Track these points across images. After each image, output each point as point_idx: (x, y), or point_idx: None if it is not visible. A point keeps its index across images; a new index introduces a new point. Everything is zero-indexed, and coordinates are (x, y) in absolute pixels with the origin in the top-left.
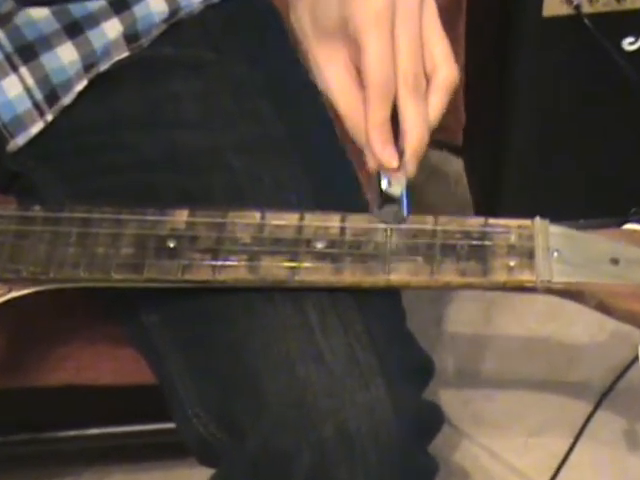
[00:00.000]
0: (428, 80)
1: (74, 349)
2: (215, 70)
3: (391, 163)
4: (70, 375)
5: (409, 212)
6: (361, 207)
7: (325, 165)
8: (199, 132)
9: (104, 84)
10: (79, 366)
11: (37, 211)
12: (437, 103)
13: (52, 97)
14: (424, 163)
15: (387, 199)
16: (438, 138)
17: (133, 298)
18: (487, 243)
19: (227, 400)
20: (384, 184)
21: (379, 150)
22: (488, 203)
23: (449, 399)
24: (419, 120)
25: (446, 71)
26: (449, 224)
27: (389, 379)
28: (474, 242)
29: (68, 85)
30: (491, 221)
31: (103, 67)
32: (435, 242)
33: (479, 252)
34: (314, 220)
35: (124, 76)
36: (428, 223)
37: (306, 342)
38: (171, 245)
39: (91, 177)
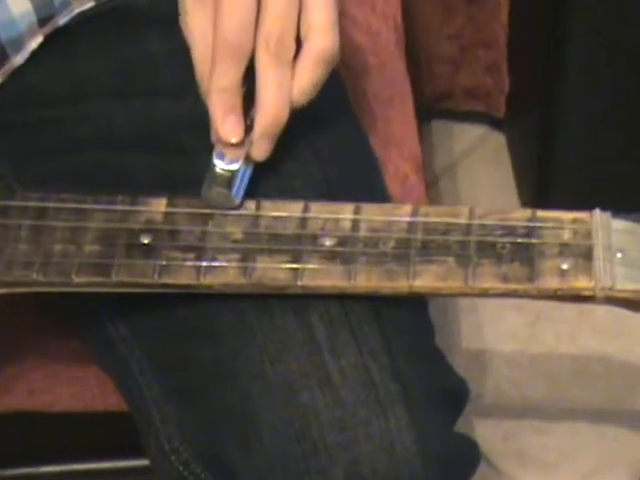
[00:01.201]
0: (299, 48)
1: (25, 368)
2: None
3: (228, 137)
4: (20, 400)
5: (242, 197)
6: (380, 196)
7: (338, 144)
8: (181, 102)
9: (63, 42)
10: (31, 389)
11: None
12: (304, 74)
13: (0, 57)
14: (459, 139)
15: (218, 179)
16: (475, 109)
17: (98, 306)
18: (534, 241)
19: (213, 433)
20: (216, 159)
21: (218, 118)
22: (536, 190)
23: (486, 432)
24: (276, 90)
25: (322, 40)
26: (488, 217)
27: (413, 407)
28: (519, 240)
29: (19, 42)
30: (540, 214)
31: (62, 20)
32: (470, 239)
33: (525, 252)
34: (322, 211)
35: (88, 32)
36: (461, 216)
37: (310, 362)
38: (145, 241)
39: (47, 157)
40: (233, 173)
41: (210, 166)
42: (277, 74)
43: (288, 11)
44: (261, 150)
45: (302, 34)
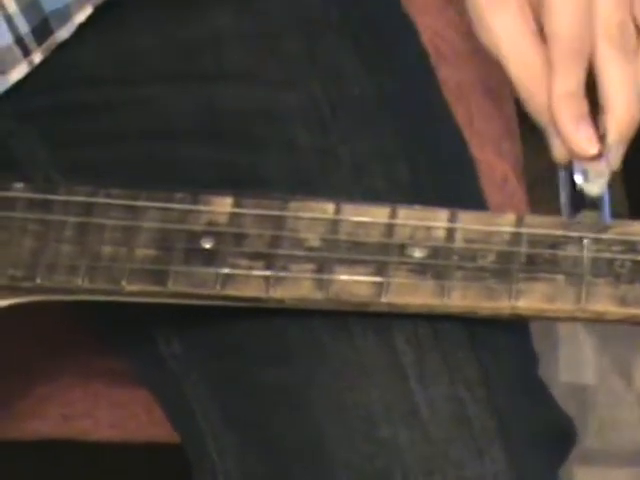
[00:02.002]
0: (638, 34)
1: (60, 389)
2: (276, 1)
3: (588, 148)
4: (52, 426)
5: (613, 217)
6: (477, 201)
7: (429, 141)
8: (249, 89)
9: (115, 15)
10: (66, 413)
11: (19, 191)
12: None
13: (42, 30)
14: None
15: (582, 201)
16: None
17: (149, 319)
18: None
19: (279, 469)
20: (579, 179)
21: (570, 130)
22: None
23: (590, 478)
24: (627, 87)
25: None
26: (603, 230)
27: (512, 447)
28: None
29: (65, 14)
30: None
31: None
32: (583, 255)
33: None
34: (411, 217)
35: (144, 4)
36: (573, 228)
37: (394, 391)
38: (207, 246)
39: (94, 146)
40: (601, 191)
41: (562, 186)
42: (625, 69)
43: None
44: (618, 157)
45: (637, 17)
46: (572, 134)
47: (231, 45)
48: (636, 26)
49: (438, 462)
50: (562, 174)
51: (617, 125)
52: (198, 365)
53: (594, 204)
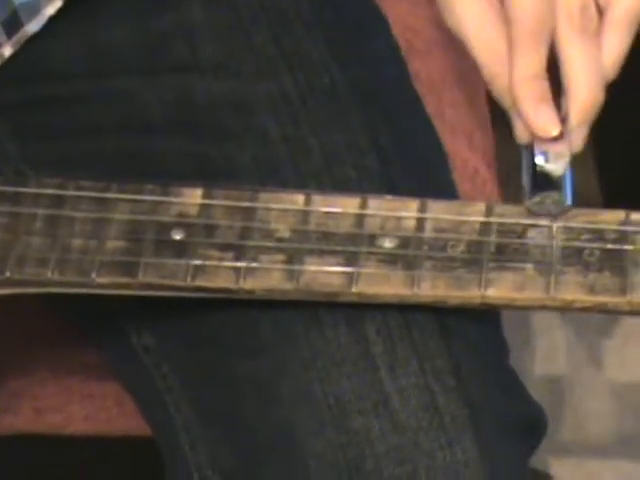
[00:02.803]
0: (601, 14)
1: (31, 383)
2: None
3: (549, 129)
4: (25, 420)
5: (574, 201)
6: (448, 192)
7: (399, 131)
8: (221, 80)
9: (86, 8)
10: (38, 407)
11: None
12: (615, 44)
13: (12, 23)
14: None
15: (544, 182)
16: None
17: (120, 311)
18: (628, 248)
19: (250, 461)
20: (540, 160)
21: (531, 112)
22: (625, 189)
23: (564, 473)
24: (589, 69)
25: (627, 1)
26: (573, 219)
27: (482, 436)
28: (609, 246)
29: (35, 6)
30: (634, 216)
31: None
32: (553, 244)
33: (616, 260)
34: (381, 207)
35: None
36: (542, 217)
37: (365, 381)
38: (177, 237)
39: (62, 138)
40: (560, 171)
41: (525, 168)
42: (586, 50)
43: None
44: (579, 139)
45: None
46: (533, 116)
47: (202, 37)
48: (598, 8)
49: (409, 452)
50: (525, 155)
51: (578, 107)
52: (169, 357)
53: (555, 185)
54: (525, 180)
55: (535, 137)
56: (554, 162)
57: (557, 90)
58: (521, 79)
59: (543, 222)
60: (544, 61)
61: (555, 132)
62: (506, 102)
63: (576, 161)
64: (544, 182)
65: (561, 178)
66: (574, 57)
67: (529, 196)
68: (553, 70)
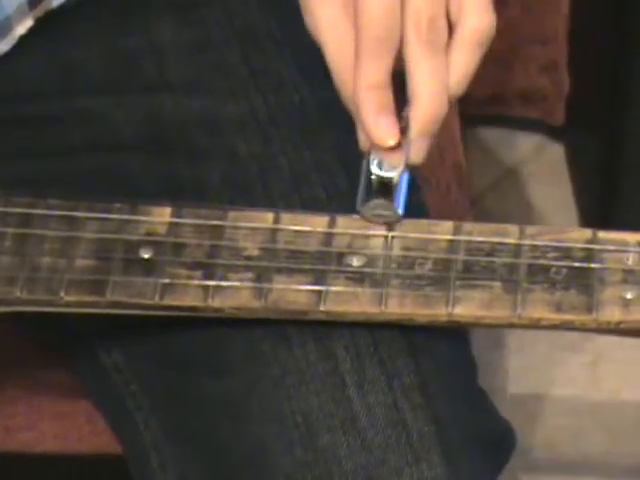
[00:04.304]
0: (451, 30)
1: (2, 402)
2: (214, 11)
3: (384, 139)
4: None
5: (405, 210)
6: (417, 210)
7: None
8: (190, 99)
9: (57, 28)
10: (9, 426)
11: None
12: (461, 62)
13: None
14: (510, 150)
15: (378, 190)
16: (530, 115)
17: (89, 330)
18: (595, 266)
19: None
20: (374, 168)
21: (370, 120)
22: (600, 210)
23: None
24: (433, 82)
25: (476, 19)
26: (540, 237)
27: (449, 454)
28: (576, 264)
29: (6, 26)
30: (601, 235)
31: (56, 2)
32: (520, 262)
33: (583, 278)
34: (349, 226)
35: (85, 16)
36: (510, 235)
37: (333, 398)
38: (146, 256)
39: (32, 158)
40: (393, 181)
41: (363, 175)
42: (431, 63)
43: None
44: (419, 150)
45: (452, 14)
46: (371, 125)
47: (171, 56)
48: (449, 20)
49: (376, 469)
50: (364, 162)
51: (419, 119)
52: (139, 376)
53: (387, 194)
54: (359, 187)
55: (372, 146)
56: (387, 171)
57: (403, 99)
58: (363, 87)
59: (510, 240)
60: (388, 70)
61: (391, 142)
62: (352, 109)
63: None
64: (378, 190)
65: (394, 187)
66: (419, 69)
67: (361, 203)
68: (400, 79)
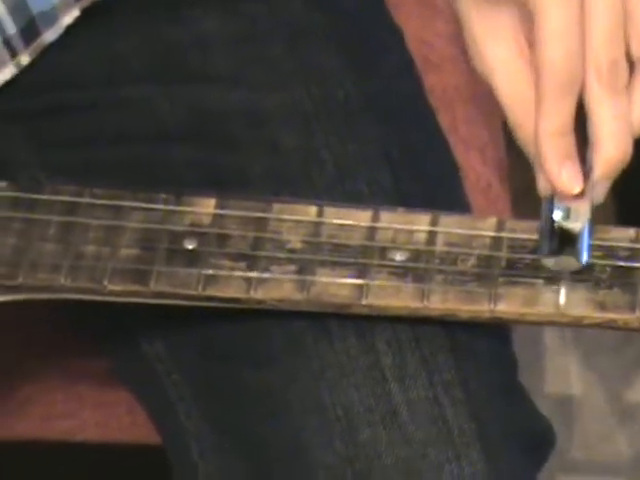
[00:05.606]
0: (632, 68)
1: (43, 389)
2: (258, 3)
3: (571, 188)
4: (34, 426)
5: (589, 257)
6: (459, 207)
7: (412, 146)
8: (235, 91)
9: (103, 18)
10: (49, 413)
11: (3, 190)
12: None
13: (30, 31)
14: None
15: (561, 237)
16: None
17: (132, 319)
18: (639, 265)
19: (260, 472)
20: (557, 216)
21: (554, 169)
22: (637, 206)
23: None
24: (616, 126)
25: None
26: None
27: (490, 450)
28: (620, 263)
29: (52, 16)
30: None
31: None
32: None
33: (626, 277)
34: (393, 221)
35: (131, 7)
36: None
37: (374, 393)
38: (190, 247)
39: (76, 146)
40: (580, 230)
41: (544, 222)
42: (614, 106)
43: (616, 31)
44: (601, 195)
45: (633, 51)
46: (555, 173)
47: (216, 48)
48: (629, 61)
49: (416, 464)
50: (545, 207)
51: (603, 164)
52: (181, 366)
53: (571, 242)
54: (542, 233)
55: (555, 193)
56: (573, 219)
57: (583, 140)
58: (546, 134)
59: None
60: (571, 116)
61: (576, 190)
62: (530, 151)
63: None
64: (561, 237)
65: (578, 235)
66: (602, 113)
67: (544, 253)
68: (580, 119)
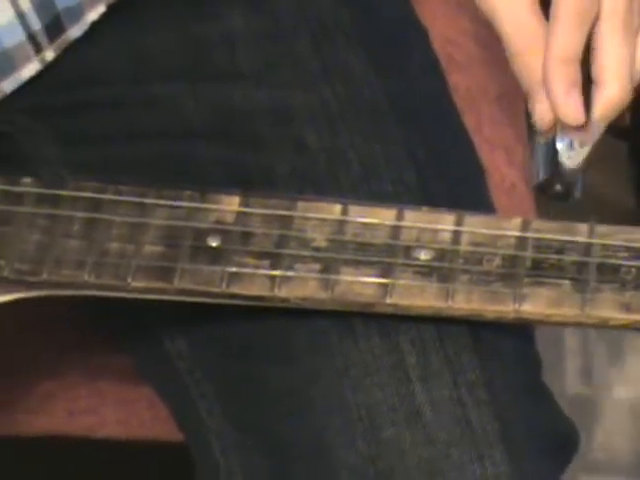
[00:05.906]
0: None
1: (65, 385)
2: (285, 1)
3: (577, 115)
4: (59, 422)
5: (583, 192)
6: (484, 207)
7: (437, 146)
8: (261, 89)
9: (128, 14)
10: (72, 409)
11: (27, 186)
12: None
13: (55, 27)
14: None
15: (559, 170)
16: None
17: (154, 316)
18: None
19: (282, 470)
20: (560, 146)
21: (560, 95)
22: None
23: None
24: (622, 66)
25: None
26: (610, 236)
27: (513, 451)
28: None
29: (78, 11)
30: None
31: None
32: (589, 261)
33: None
34: (418, 220)
35: (157, 3)
36: (580, 234)
37: (398, 392)
38: (214, 244)
39: (101, 143)
40: (579, 164)
41: (540, 151)
42: (623, 47)
43: None
44: (595, 134)
45: None
46: (562, 100)
47: (242, 45)
48: None
49: (439, 464)
50: (538, 141)
51: (605, 103)
52: (203, 363)
53: (569, 175)
54: (538, 164)
55: (559, 122)
56: (576, 151)
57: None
58: (556, 59)
59: (580, 239)
60: (581, 46)
61: (581, 119)
62: (525, 81)
63: (613, 174)
64: (558, 171)
65: (576, 170)
66: (610, 51)
67: (539, 182)
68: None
